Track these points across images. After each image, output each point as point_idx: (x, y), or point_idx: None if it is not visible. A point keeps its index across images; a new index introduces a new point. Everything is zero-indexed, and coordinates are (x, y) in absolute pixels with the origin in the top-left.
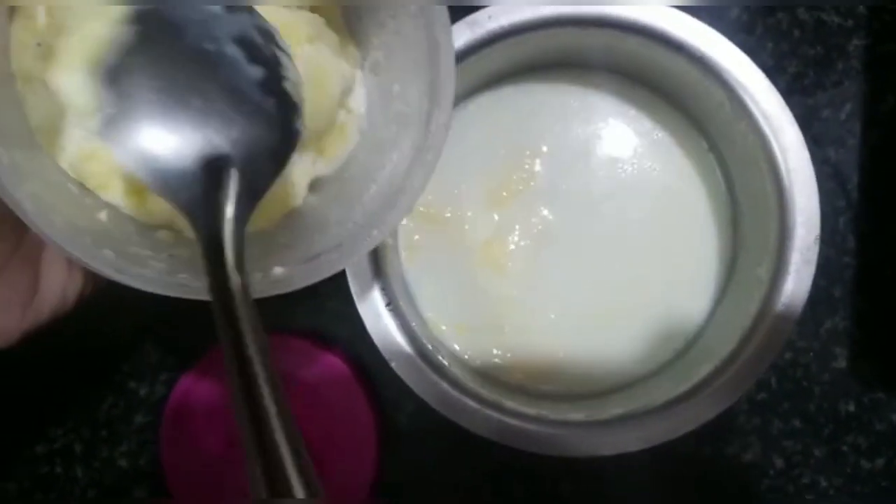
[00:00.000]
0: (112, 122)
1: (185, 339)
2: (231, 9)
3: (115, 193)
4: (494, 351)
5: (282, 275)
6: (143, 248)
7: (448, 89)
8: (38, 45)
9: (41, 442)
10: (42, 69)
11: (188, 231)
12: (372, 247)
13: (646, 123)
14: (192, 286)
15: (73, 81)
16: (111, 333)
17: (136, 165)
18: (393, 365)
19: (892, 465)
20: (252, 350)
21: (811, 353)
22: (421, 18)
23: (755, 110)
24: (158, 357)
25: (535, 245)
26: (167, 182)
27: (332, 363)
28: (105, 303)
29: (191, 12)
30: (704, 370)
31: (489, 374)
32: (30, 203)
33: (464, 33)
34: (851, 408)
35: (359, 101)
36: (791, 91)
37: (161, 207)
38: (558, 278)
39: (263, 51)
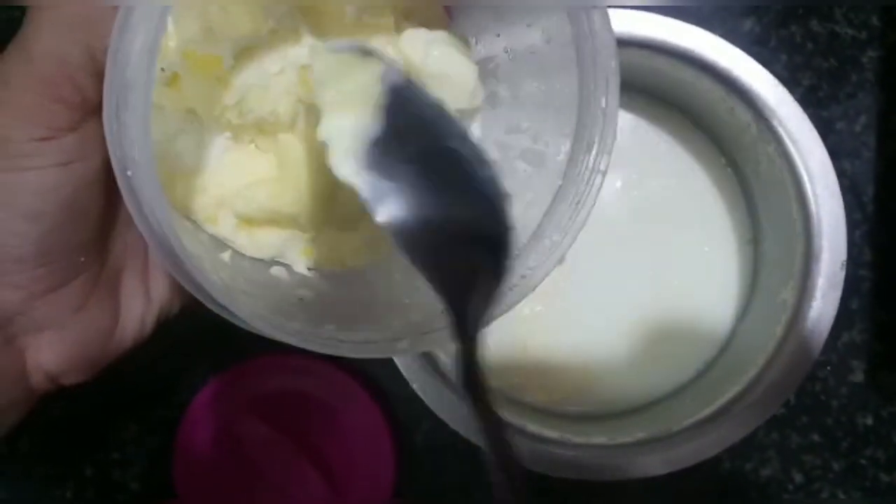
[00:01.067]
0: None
1: (197, 364)
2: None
3: (223, 227)
4: (515, 370)
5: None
6: (270, 293)
7: (611, 128)
8: (162, 70)
9: (52, 465)
10: (159, 94)
11: (297, 265)
12: (510, 308)
13: (667, 141)
14: (342, 340)
15: (348, 167)
16: (124, 357)
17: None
18: (414, 387)
19: None
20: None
21: (829, 367)
22: (567, 33)
23: (784, 134)
24: (172, 379)
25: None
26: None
27: (349, 383)
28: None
29: (426, 109)
30: (729, 393)
31: (510, 395)
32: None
33: None
34: (869, 421)
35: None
36: (805, 104)
37: (272, 241)
38: (579, 298)
39: (481, 153)
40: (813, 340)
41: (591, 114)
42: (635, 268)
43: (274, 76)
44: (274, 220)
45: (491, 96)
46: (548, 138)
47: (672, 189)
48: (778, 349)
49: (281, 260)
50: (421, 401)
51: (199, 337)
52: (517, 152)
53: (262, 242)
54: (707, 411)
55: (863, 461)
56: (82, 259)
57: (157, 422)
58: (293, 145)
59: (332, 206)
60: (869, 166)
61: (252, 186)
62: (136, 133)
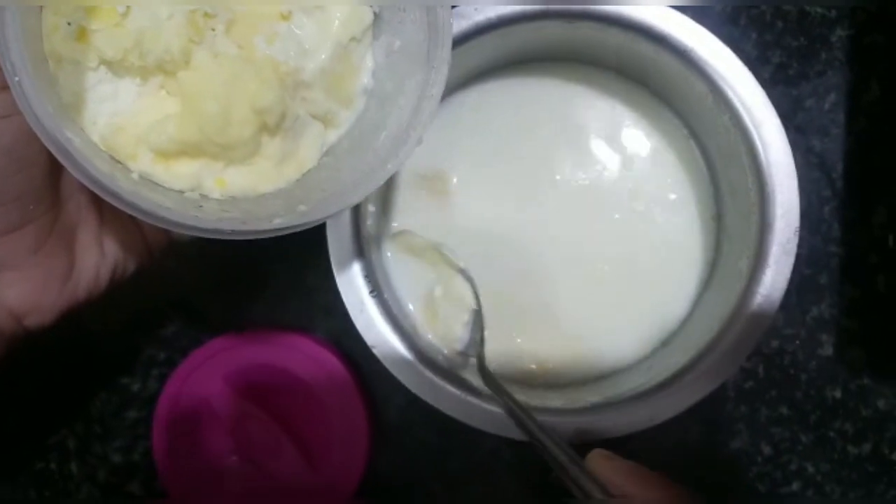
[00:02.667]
0: None
1: (176, 335)
2: None
3: (143, 162)
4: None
5: (305, 210)
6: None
7: (446, 26)
8: (69, 24)
9: (35, 438)
10: (72, 49)
11: (216, 192)
12: (385, 178)
13: (632, 117)
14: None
15: None
16: (103, 330)
17: None
18: (375, 351)
19: (879, 451)
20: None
21: (798, 341)
22: None
23: (737, 104)
24: (150, 353)
25: (520, 237)
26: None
27: (324, 357)
28: (97, 299)
29: None
30: (685, 358)
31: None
32: (101, 174)
33: None
34: (838, 394)
35: (367, 69)
36: (775, 81)
37: (188, 171)
38: (543, 270)
39: None
40: (766, 306)
41: (434, 57)
42: (600, 240)
43: (165, 21)
44: (184, 150)
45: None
46: (409, 70)
47: (640, 165)
48: (732, 316)
49: (199, 191)
50: (395, 376)
51: (176, 312)
52: (396, 68)
53: (178, 173)
54: (664, 376)
55: (831, 434)
56: (31, 207)
57: (136, 396)
58: (191, 80)
59: (232, 132)
60: (838, 143)
61: (162, 121)
62: (13, 46)
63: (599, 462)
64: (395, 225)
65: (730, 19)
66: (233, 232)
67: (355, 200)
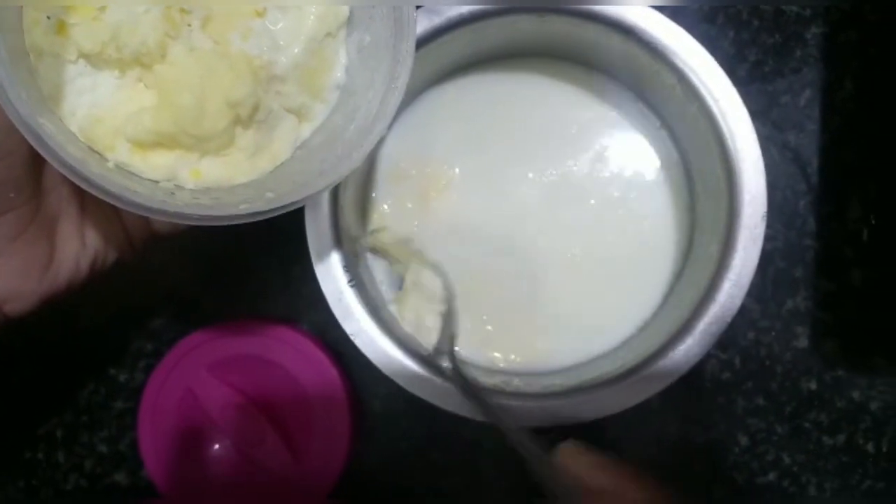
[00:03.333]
0: None
1: (163, 327)
2: None
3: (120, 153)
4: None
5: (272, 197)
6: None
7: (411, 21)
8: (48, 18)
9: (23, 428)
10: (52, 43)
11: (190, 183)
12: (353, 167)
13: (605, 110)
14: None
15: None
16: (91, 321)
17: None
18: (354, 339)
19: (853, 441)
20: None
21: (773, 333)
22: None
23: (704, 93)
24: (138, 344)
25: (497, 227)
26: None
27: (308, 349)
28: (86, 289)
29: None
30: (656, 344)
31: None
32: (73, 159)
33: (422, 21)
34: (813, 386)
35: (341, 65)
36: (752, 78)
37: (164, 162)
38: (519, 262)
39: None
40: (736, 291)
41: (399, 50)
42: (575, 235)
43: (141, 15)
44: (160, 142)
45: (359, 41)
46: (377, 65)
47: (615, 157)
48: (701, 301)
49: (174, 181)
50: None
51: (164, 305)
52: (366, 62)
53: (155, 164)
54: (636, 361)
55: (807, 425)
56: (12, 195)
57: (124, 387)
58: (167, 73)
59: (206, 124)
60: (813, 139)
61: (139, 113)
62: None
63: (571, 456)
64: (375, 216)
65: (707, 18)
66: (201, 217)
67: (320, 189)
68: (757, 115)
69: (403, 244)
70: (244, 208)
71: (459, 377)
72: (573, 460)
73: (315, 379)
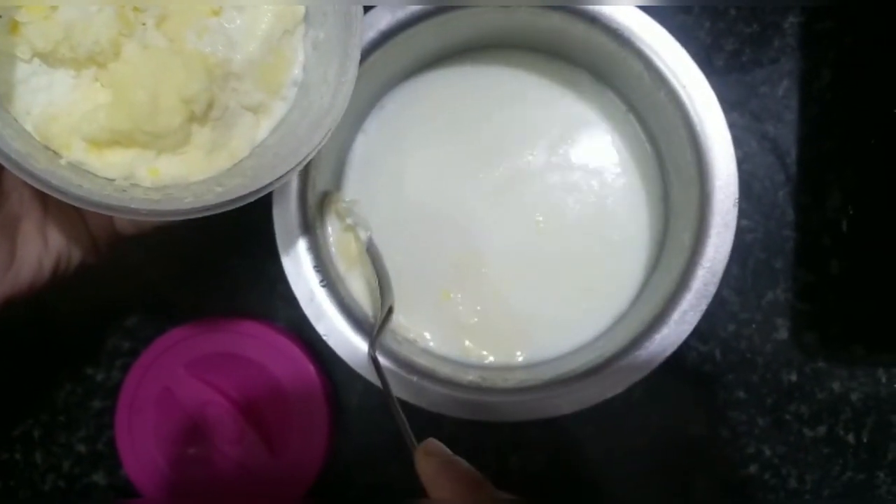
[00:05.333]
0: None
1: (139, 325)
2: None
3: (77, 151)
4: (435, 325)
5: (221, 191)
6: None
7: (358, 17)
8: (0, 16)
9: (1, 429)
10: (4, 41)
11: (148, 181)
12: (300, 161)
13: (574, 100)
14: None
15: None
16: (67, 320)
17: None
18: (327, 339)
19: (834, 433)
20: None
21: (754, 325)
22: None
23: (671, 78)
24: (114, 343)
25: (471, 221)
26: None
27: (284, 345)
28: (61, 289)
29: None
30: (632, 335)
31: (424, 346)
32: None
33: (385, 16)
34: (794, 378)
35: (299, 62)
36: (729, 69)
37: (121, 160)
38: (497, 253)
39: None
40: (710, 278)
41: (348, 45)
42: (548, 226)
43: (94, 14)
44: (116, 140)
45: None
46: (330, 60)
47: (586, 146)
48: (676, 290)
49: (131, 180)
50: None
51: (140, 303)
52: (320, 60)
53: (111, 162)
54: (611, 352)
55: (787, 416)
56: None
57: (100, 386)
58: (121, 70)
59: (160, 120)
60: (791, 129)
61: (94, 110)
62: None
63: (421, 458)
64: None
65: (682, 8)
66: (149, 212)
67: (270, 182)
68: (735, 105)
69: (351, 205)
70: (189, 202)
71: (375, 361)
72: (425, 462)
73: (292, 375)
